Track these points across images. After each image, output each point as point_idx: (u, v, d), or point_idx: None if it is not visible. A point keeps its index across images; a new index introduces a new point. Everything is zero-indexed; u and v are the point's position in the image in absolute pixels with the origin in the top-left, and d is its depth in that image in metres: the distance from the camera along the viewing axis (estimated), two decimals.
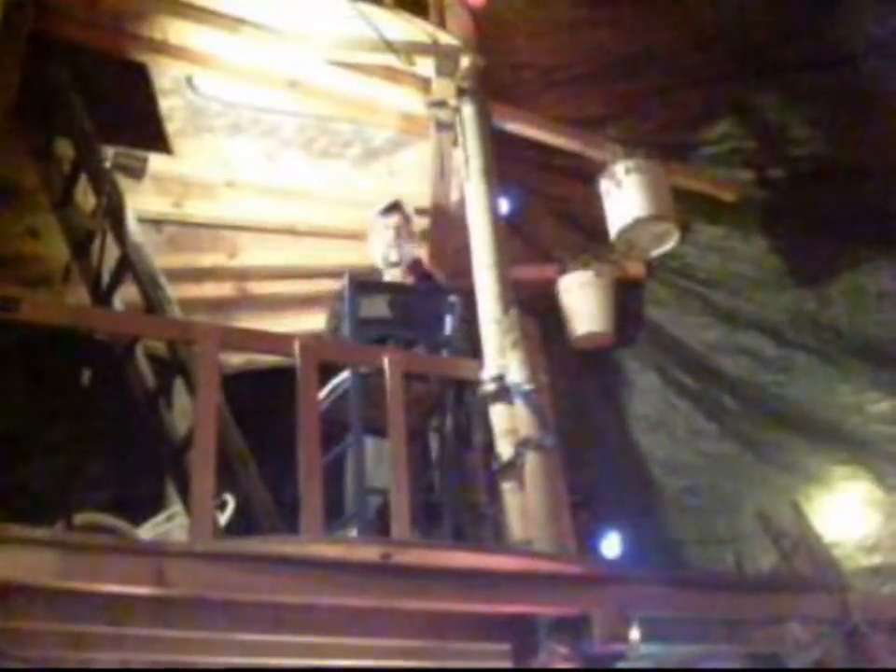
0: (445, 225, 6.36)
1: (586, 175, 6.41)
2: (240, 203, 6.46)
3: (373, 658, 4.05)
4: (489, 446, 4.69)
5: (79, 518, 4.65)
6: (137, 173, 5.51)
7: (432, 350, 5.13)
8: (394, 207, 5.71)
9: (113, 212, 5.22)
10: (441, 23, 5.86)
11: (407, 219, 5.73)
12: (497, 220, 5.29)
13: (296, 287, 6.83)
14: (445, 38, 5.75)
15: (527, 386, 4.55)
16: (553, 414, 4.58)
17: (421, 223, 6.01)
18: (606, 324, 6.68)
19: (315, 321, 5.75)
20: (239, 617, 3.69)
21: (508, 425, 4.59)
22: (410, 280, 5.60)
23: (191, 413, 4.36)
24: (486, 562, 4.02)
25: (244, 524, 4.72)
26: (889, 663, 4.58)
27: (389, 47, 5.56)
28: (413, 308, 5.26)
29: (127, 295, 5.26)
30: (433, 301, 5.33)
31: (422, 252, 6.20)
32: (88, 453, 5.65)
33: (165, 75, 5.57)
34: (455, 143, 5.74)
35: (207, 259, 6.75)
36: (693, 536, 6.51)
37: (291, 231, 6.69)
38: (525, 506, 4.38)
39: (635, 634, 3.99)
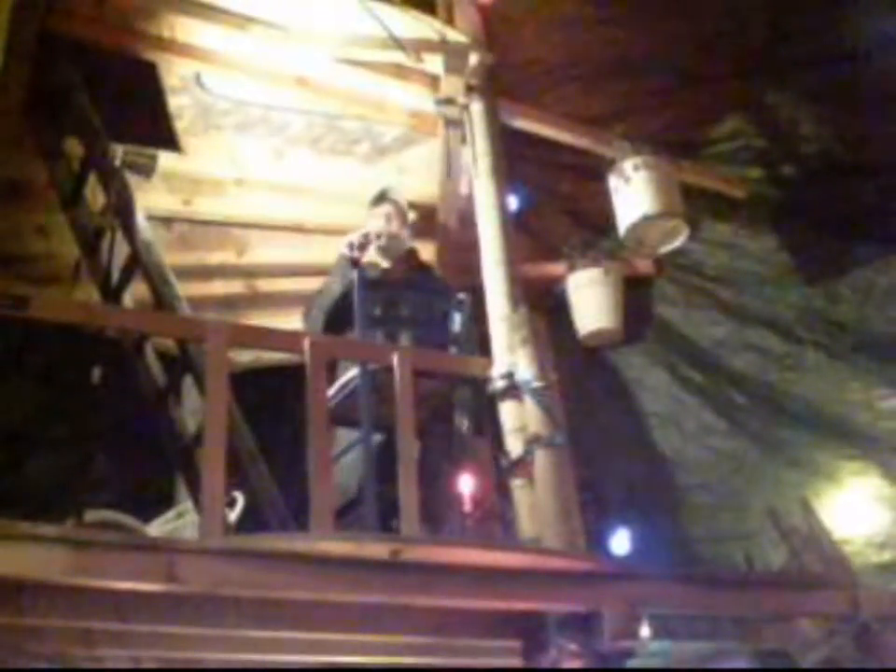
0: (454, 222, 6.36)
1: (595, 172, 6.40)
2: (249, 200, 6.46)
3: (382, 655, 4.05)
4: (499, 443, 4.70)
5: (89, 515, 4.66)
6: (146, 170, 5.52)
7: (433, 346, 5.12)
8: (384, 196, 5.65)
9: (122, 210, 5.23)
10: (450, 20, 5.85)
11: (399, 209, 5.66)
12: (505, 217, 5.29)
13: (305, 285, 6.79)
14: (454, 35, 5.74)
15: (537, 383, 4.55)
16: (562, 411, 4.58)
17: (413, 216, 5.93)
18: (614, 321, 6.67)
19: None
20: (248, 614, 3.69)
21: (517, 422, 4.59)
22: (399, 269, 5.56)
23: (201, 411, 4.37)
24: (496, 559, 4.01)
25: (253, 521, 4.73)
26: None
27: (397, 44, 5.55)
28: (415, 304, 5.27)
29: (137, 293, 5.26)
30: (435, 297, 5.34)
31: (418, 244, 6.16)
32: (96, 450, 5.67)
33: (174, 73, 5.58)
34: (463, 140, 5.73)
35: (216, 257, 6.75)
36: (702, 533, 6.50)
37: (300, 229, 6.69)
38: (534, 503, 4.38)
39: (645, 631, 3.99)
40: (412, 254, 5.67)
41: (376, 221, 5.53)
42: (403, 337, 5.06)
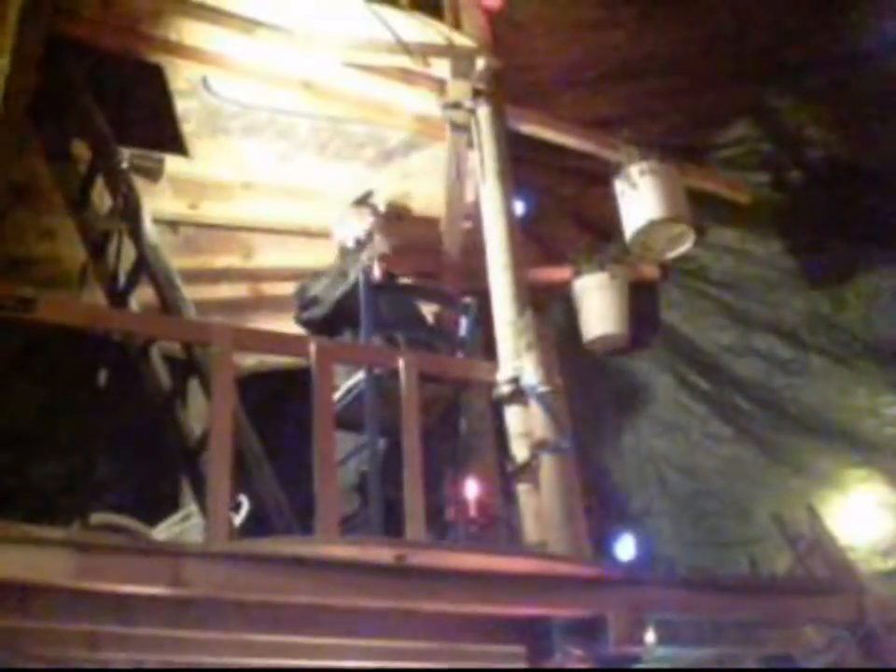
0: (460, 226, 6.36)
1: (601, 176, 6.40)
2: (255, 204, 6.47)
3: (387, 659, 4.05)
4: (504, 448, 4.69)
5: (94, 518, 4.66)
6: (153, 174, 5.52)
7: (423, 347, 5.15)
8: (366, 199, 5.73)
9: (129, 213, 5.23)
10: (457, 25, 5.85)
11: (378, 214, 5.75)
12: (512, 222, 5.29)
13: None
14: (460, 40, 5.74)
15: (543, 388, 4.55)
16: (568, 417, 4.57)
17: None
18: (620, 326, 6.67)
19: None
20: (253, 617, 3.69)
21: (523, 427, 4.59)
22: (378, 272, 5.61)
23: (207, 414, 4.37)
24: (501, 564, 4.01)
25: (258, 524, 4.72)
26: None
27: (404, 48, 5.55)
28: (404, 306, 5.31)
29: (143, 296, 5.26)
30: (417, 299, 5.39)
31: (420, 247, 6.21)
32: (102, 453, 5.66)
33: (180, 76, 5.58)
34: (469, 145, 5.74)
35: (222, 261, 6.76)
36: (707, 538, 6.50)
37: (305, 233, 6.69)
38: (539, 508, 4.37)
39: (650, 636, 3.98)
40: (383, 257, 5.71)
41: (359, 220, 5.63)
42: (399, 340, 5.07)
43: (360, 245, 5.59)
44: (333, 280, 5.43)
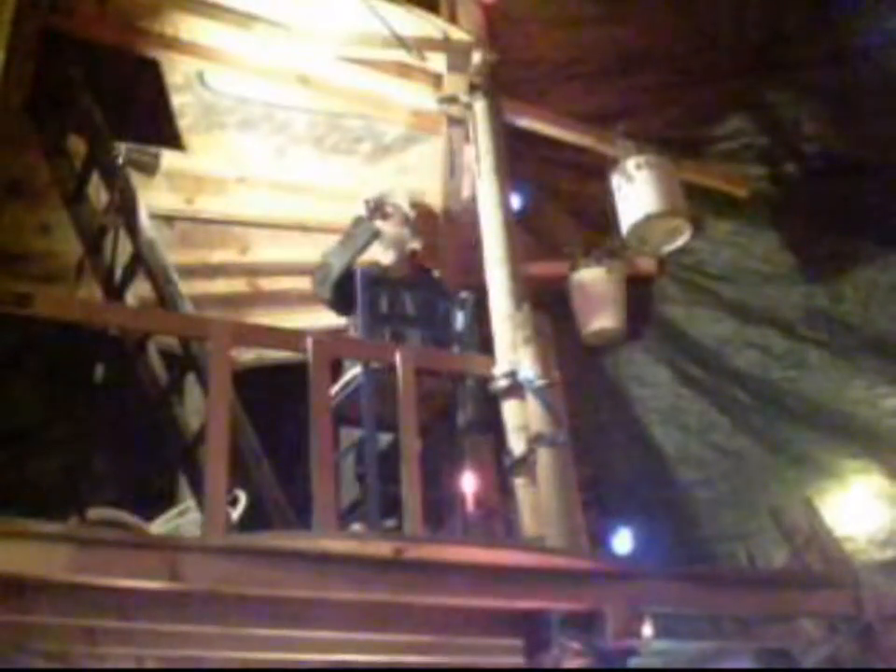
0: (456, 221, 6.36)
1: (597, 170, 6.40)
2: (251, 198, 6.46)
3: (385, 653, 4.05)
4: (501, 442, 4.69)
5: (92, 513, 4.66)
6: (149, 169, 5.52)
7: (438, 345, 5.15)
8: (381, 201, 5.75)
9: (125, 208, 5.24)
10: (453, 19, 5.85)
11: (398, 210, 5.74)
12: (508, 216, 5.29)
13: (307, 283, 6.78)
14: (457, 34, 5.74)
15: (540, 382, 4.55)
16: (565, 410, 4.57)
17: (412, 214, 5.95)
18: (617, 319, 6.66)
19: (326, 317, 5.76)
20: (251, 612, 3.69)
21: (520, 421, 4.59)
22: (400, 268, 5.59)
23: (204, 409, 4.37)
24: (499, 557, 4.01)
25: (256, 519, 4.73)
26: None
27: (400, 42, 5.56)
28: (418, 302, 5.29)
29: (139, 291, 5.27)
30: (437, 296, 5.37)
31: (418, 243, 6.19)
32: (99, 448, 5.67)
33: (177, 71, 5.58)
34: (466, 139, 5.74)
35: (219, 256, 6.75)
36: (704, 531, 6.50)
37: (302, 227, 6.68)
38: (537, 502, 4.38)
39: (647, 630, 3.98)
40: (413, 254, 5.69)
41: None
42: (411, 335, 5.08)
43: (372, 210, 5.58)
44: (342, 245, 5.42)
